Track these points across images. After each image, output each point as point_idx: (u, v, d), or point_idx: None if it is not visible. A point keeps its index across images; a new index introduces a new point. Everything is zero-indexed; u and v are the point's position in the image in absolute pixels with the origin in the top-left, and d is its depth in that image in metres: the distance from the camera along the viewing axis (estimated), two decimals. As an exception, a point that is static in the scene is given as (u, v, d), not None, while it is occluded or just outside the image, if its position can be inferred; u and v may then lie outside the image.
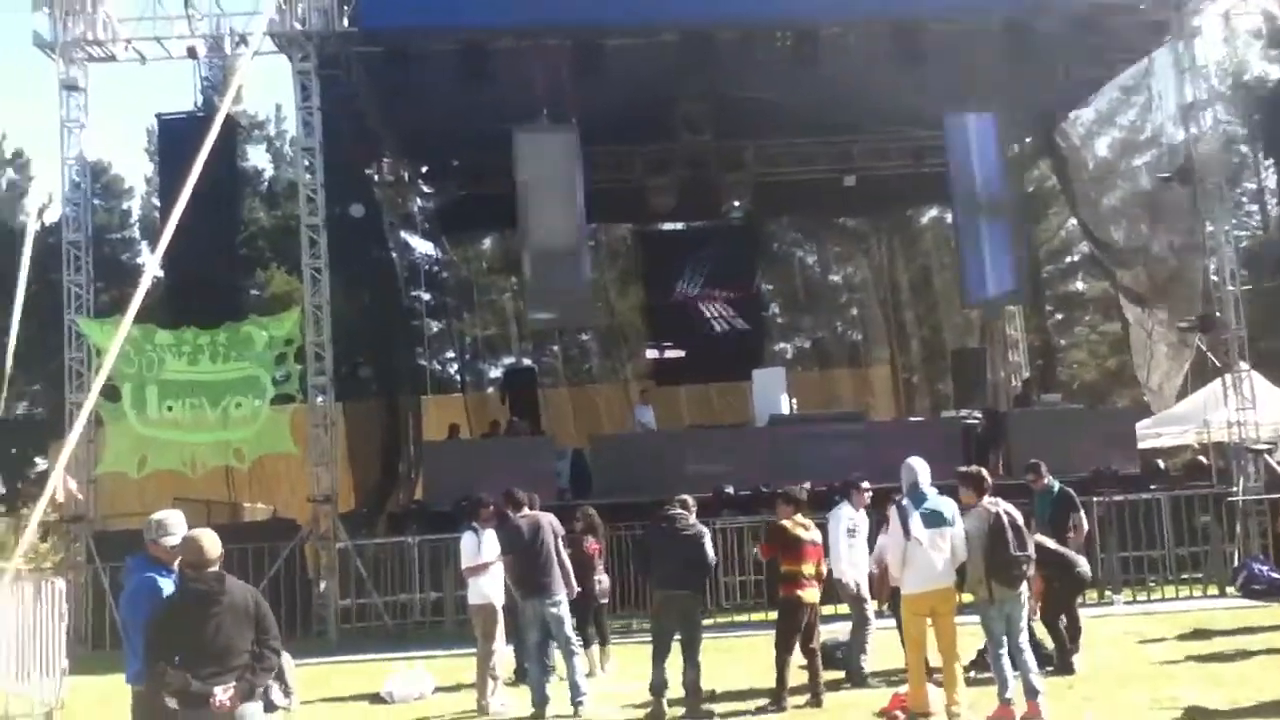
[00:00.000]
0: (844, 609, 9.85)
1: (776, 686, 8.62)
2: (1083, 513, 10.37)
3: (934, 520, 7.90)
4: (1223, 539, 14.03)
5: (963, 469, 8.57)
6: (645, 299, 24.17)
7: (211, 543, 5.51)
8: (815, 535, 8.90)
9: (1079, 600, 9.85)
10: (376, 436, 17.30)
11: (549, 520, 9.27)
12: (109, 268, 26.80)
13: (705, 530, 8.89)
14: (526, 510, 9.37)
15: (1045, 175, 24.53)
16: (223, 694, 5.23)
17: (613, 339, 28.68)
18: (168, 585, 5.69)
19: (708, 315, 22.09)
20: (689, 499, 9.06)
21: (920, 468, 8.14)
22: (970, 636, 8.37)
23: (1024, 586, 7.91)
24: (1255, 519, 14.34)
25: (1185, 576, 13.70)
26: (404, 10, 15.26)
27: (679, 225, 23.99)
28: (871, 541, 9.53)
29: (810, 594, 8.72)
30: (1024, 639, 7.91)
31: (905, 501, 8.03)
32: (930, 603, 7.92)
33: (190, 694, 5.19)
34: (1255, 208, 30.60)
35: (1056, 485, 10.41)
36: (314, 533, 14.50)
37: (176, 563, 5.78)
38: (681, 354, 22.24)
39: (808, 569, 8.70)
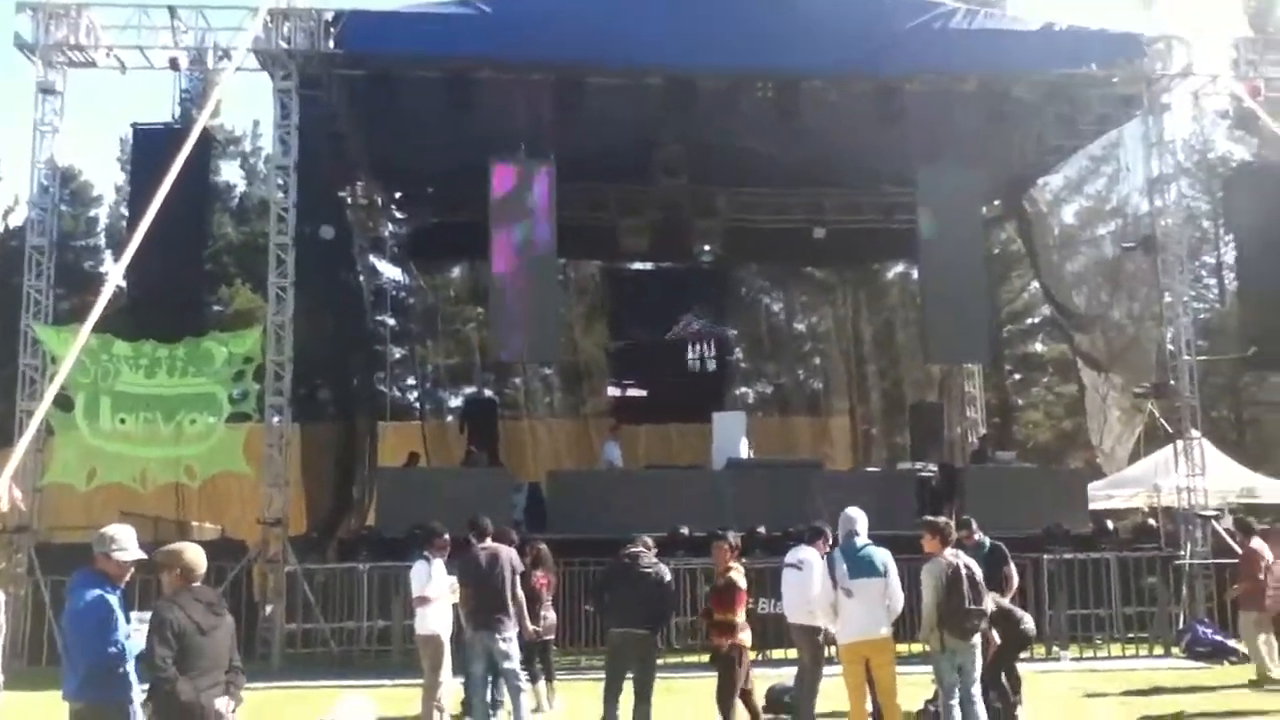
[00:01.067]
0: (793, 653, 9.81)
1: None
2: (1013, 567, 10.35)
3: (863, 570, 7.93)
4: (1169, 600, 14.24)
5: (929, 518, 8.65)
6: (610, 336, 24.21)
7: (200, 556, 5.59)
8: (744, 581, 8.86)
9: (1024, 655, 9.90)
10: (331, 460, 17.13)
11: (508, 554, 9.18)
12: (71, 275, 26.51)
13: (667, 571, 8.86)
14: (489, 541, 9.28)
15: (1011, 238, 24.96)
16: (224, 706, 5.30)
17: (575, 375, 28.68)
18: (114, 601, 5.63)
19: (685, 355, 22.12)
20: (649, 539, 9.04)
21: (858, 517, 8.18)
22: (919, 685, 8.39)
23: (977, 639, 7.95)
24: (1201, 582, 14.55)
25: (1132, 636, 13.90)
26: (389, 35, 15.30)
27: (648, 265, 24.11)
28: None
29: (747, 638, 8.70)
30: (976, 690, 7.95)
31: (836, 552, 8.07)
32: (863, 652, 7.95)
33: (198, 706, 5.20)
34: (1214, 281, 31.26)
35: (988, 541, 10.41)
36: (262, 555, 14.30)
37: (124, 578, 5.73)
38: (643, 393, 22.26)
39: (740, 616, 8.67)
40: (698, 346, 22.20)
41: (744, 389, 29.52)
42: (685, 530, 14.73)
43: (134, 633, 5.62)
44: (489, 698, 9.19)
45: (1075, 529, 15.51)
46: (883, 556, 8.01)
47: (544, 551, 10.87)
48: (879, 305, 26.06)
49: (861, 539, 8.04)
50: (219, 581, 13.02)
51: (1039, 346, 31.68)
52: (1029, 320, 31.11)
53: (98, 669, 5.51)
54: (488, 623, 8.84)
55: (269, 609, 14.07)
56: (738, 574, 8.78)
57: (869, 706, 8.16)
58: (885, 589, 7.91)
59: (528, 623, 9.18)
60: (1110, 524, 16.95)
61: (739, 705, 8.75)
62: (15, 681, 10.25)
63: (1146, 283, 17.00)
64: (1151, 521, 17.60)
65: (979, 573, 8.08)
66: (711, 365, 22.25)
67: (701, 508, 15.28)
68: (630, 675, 8.60)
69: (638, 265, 23.93)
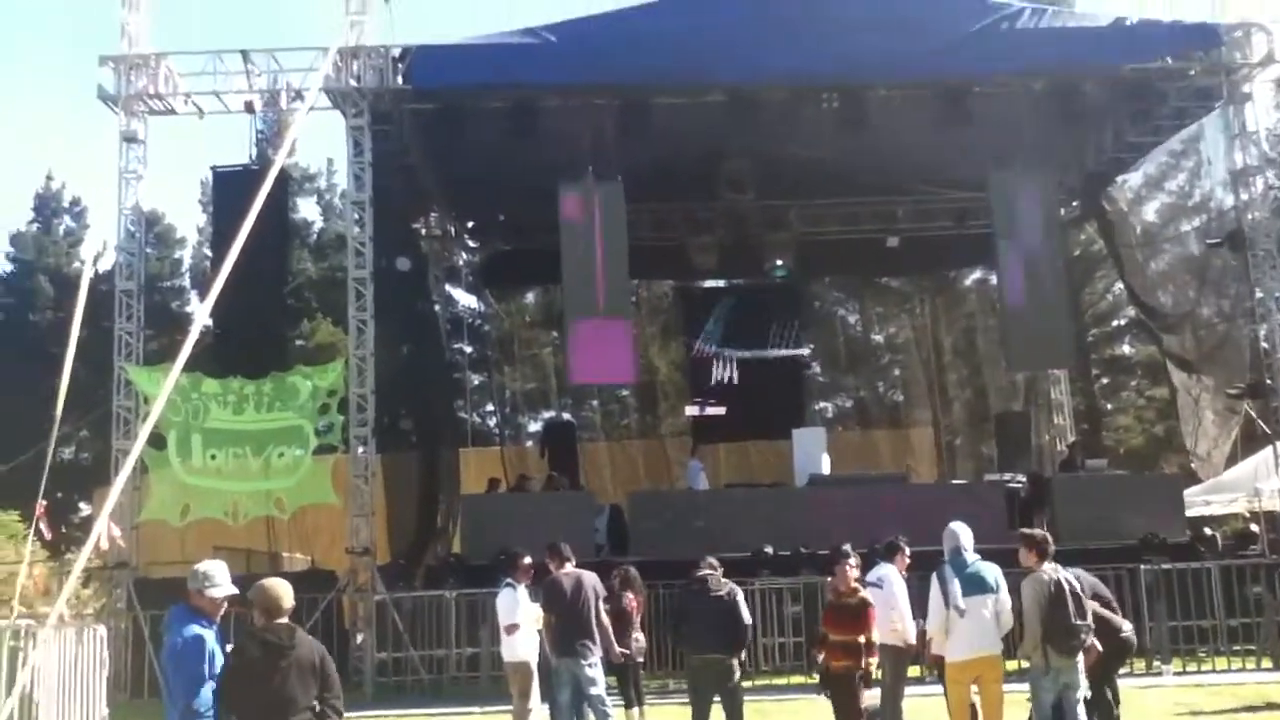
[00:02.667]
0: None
1: None
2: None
3: (976, 586, 7.73)
4: (1276, 610, 13.67)
5: (1026, 530, 8.44)
6: (686, 355, 24.14)
7: (285, 592, 5.54)
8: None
9: (1123, 670, 9.59)
10: (415, 488, 17.31)
11: (592, 579, 9.14)
12: (159, 316, 27.23)
13: (739, 590, 8.78)
14: (569, 567, 9.27)
15: (1092, 239, 24.40)
16: None
17: (651, 395, 28.68)
18: (210, 637, 5.70)
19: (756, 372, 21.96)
20: (714, 560, 8.97)
21: (963, 532, 7.99)
22: (1015, 705, 8.17)
23: (1080, 656, 7.72)
24: (1308, 590, 13.97)
25: (1237, 648, 13.38)
26: (456, 68, 15.55)
27: (721, 283, 24.03)
28: (914, 605, 9.35)
29: (874, 662, 8.56)
30: (1081, 708, 7.70)
31: (946, 569, 7.88)
32: (974, 670, 7.74)
33: None
34: (1306, 274, 30.17)
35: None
36: (351, 584, 14.49)
37: (219, 614, 5.81)
38: (722, 411, 22.13)
39: (874, 635, 8.54)
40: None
41: (823, 403, 29.24)
42: (769, 549, 14.62)
43: None
44: (576, 723, 9.18)
45: (1172, 537, 14.99)
46: (994, 572, 7.84)
47: (632, 574, 10.82)
48: (957, 313, 25.63)
49: (969, 554, 7.86)
50: (310, 612, 13.24)
51: (1127, 349, 30.88)
52: (1115, 322, 30.34)
53: (195, 704, 5.59)
54: (573, 649, 8.81)
55: (359, 638, 14.25)
56: (867, 593, 8.64)
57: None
58: (996, 605, 7.71)
59: (615, 647, 9.13)
60: (1209, 531, 16.40)
61: None
62: (120, 714, 10.54)
63: (1236, 279, 16.48)
64: (1253, 527, 16.95)
65: (1080, 585, 7.84)
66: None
67: (784, 526, 15.15)
68: (717, 700, 8.51)
69: (710, 283, 23.83)
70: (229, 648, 5.59)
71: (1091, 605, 8.68)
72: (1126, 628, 9.30)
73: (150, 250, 29.22)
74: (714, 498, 17.14)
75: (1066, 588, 7.66)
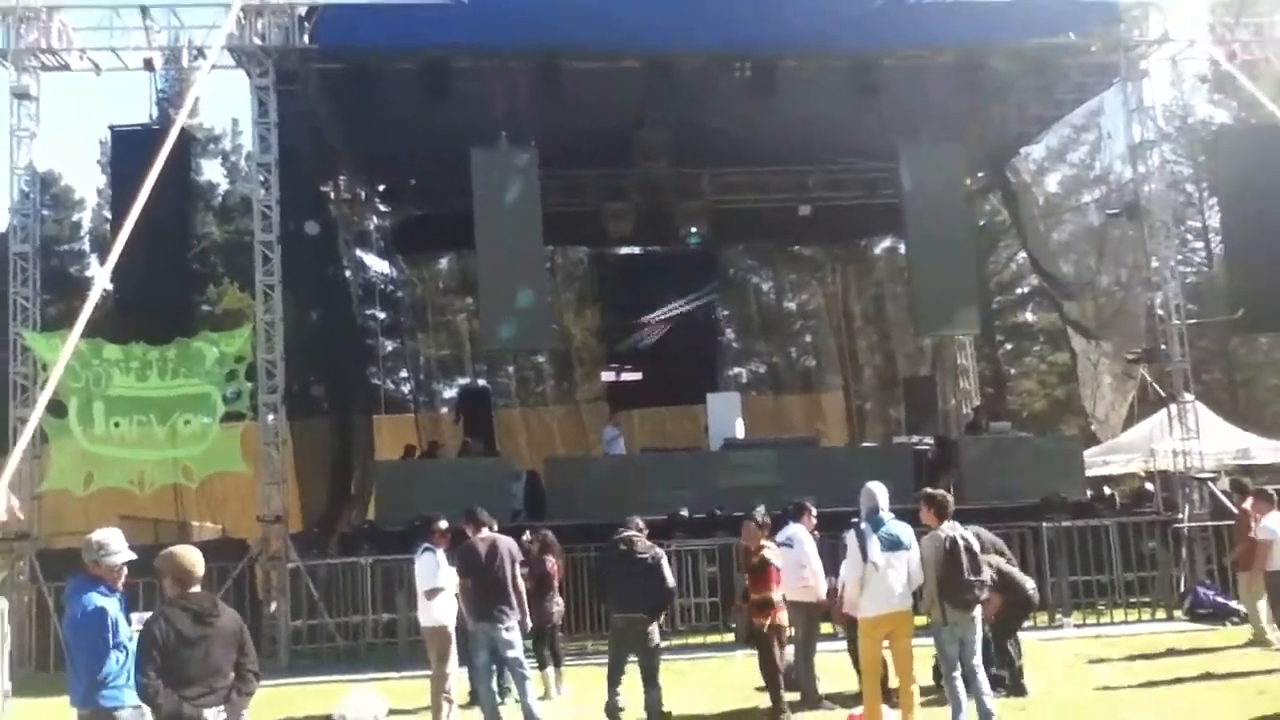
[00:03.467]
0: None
1: (776, 709, 8.57)
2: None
3: (891, 544, 7.94)
4: (1170, 564, 14.31)
5: (927, 491, 8.66)
6: (601, 322, 24.20)
7: (196, 559, 5.55)
8: (779, 559, 8.99)
9: (1027, 624, 9.97)
10: (327, 455, 17.12)
11: (507, 544, 9.15)
12: (57, 280, 26.38)
13: (662, 553, 8.91)
14: (486, 532, 9.28)
15: (997, 209, 24.98)
16: (213, 716, 5.24)
17: (567, 361, 28.68)
18: (112, 605, 5.60)
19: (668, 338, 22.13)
20: (640, 521, 9.08)
21: (880, 492, 8.17)
22: (925, 658, 8.44)
23: (977, 610, 8.00)
24: (1200, 545, 14.62)
25: (1134, 600, 13.98)
26: (364, 28, 15.22)
27: (635, 250, 24.08)
28: (826, 564, 9.60)
29: (784, 617, 8.79)
30: (977, 660, 7.99)
31: (864, 525, 8.07)
32: (887, 626, 7.96)
33: (181, 717, 5.19)
34: (1200, 245, 31.36)
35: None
36: (264, 552, 14.29)
37: (120, 581, 5.71)
38: (638, 377, 22.26)
39: (777, 595, 8.77)
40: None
41: (736, 369, 29.55)
42: (685, 512, 14.80)
43: (136, 634, 5.61)
44: (495, 686, 9.23)
45: (1073, 496, 15.59)
46: (907, 531, 8.05)
47: (551, 538, 10.90)
48: (868, 280, 26.06)
49: (886, 513, 8.07)
50: (222, 581, 13.04)
51: (1029, 316, 31.78)
52: (1018, 290, 31.19)
53: (101, 675, 5.50)
54: (489, 613, 8.83)
55: (273, 606, 14.08)
56: (770, 552, 8.86)
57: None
58: (909, 563, 7.93)
59: (526, 611, 9.16)
60: (1108, 490, 17.05)
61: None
62: (23, 688, 10.30)
63: (1133, 249, 17.03)
64: (1149, 486, 17.70)
65: (975, 543, 8.11)
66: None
67: (700, 489, 15.35)
68: (634, 659, 8.64)
69: (625, 250, 23.86)
70: (148, 615, 5.51)
71: (997, 561, 9.03)
72: (1030, 585, 9.68)
73: (47, 212, 28.21)
74: (630, 462, 17.27)
75: (961, 544, 7.94)
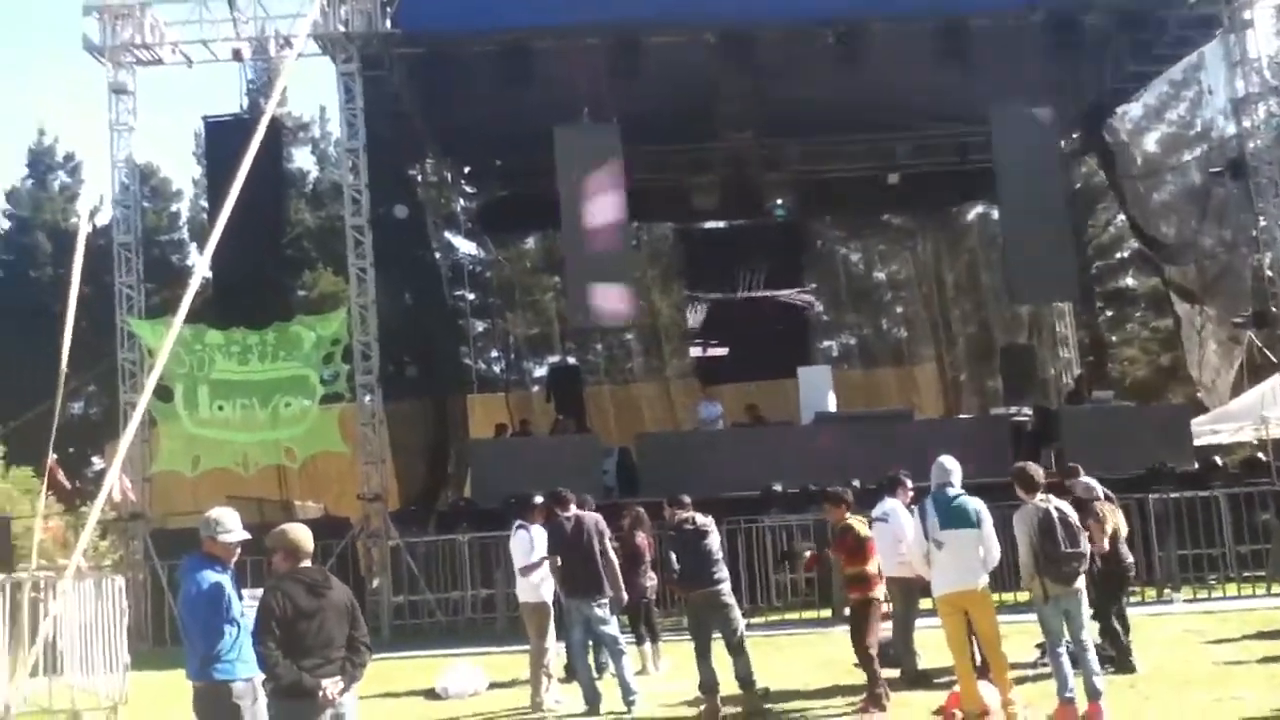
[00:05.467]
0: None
1: (872, 685, 8.50)
2: (1104, 509, 10.02)
3: (955, 520, 7.75)
4: (1283, 535, 13.76)
5: (1017, 464, 8.46)
6: (688, 297, 24.09)
7: (306, 535, 5.69)
8: (869, 532, 8.89)
9: (1134, 598, 9.69)
10: (423, 435, 17.38)
11: (594, 520, 9.23)
12: (159, 269, 27.15)
13: (711, 522, 8.93)
14: (573, 509, 9.34)
15: (1093, 171, 24.21)
16: (332, 687, 5.37)
17: (655, 337, 28.61)
18: (225, 582, 5.75)
19: (759, 311, 21.96)
20: (686, 498, 9.15)
21: (952, 467, 7.99)
22: (1028, 634, 8.27)
23: (1080, 583, 7.78)
24: (1318, 515, 14.05)
25: (1246, 574, 13.43)
26: (444, 12, 15.39)
27: (721, 224, 23.90)
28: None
29: (880, 591, 8.69)
30: (1086, 636, 7.79)
31: (928, 503, 7.93)
32: (958, 604, 7.80)
33: (301, 686, 5.32)
34: (1311, 201, 30.00)
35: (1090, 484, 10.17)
36: (365, 530, 14.61)
37: (233, 558, 5.86)
38: (724, 352, 22.14)
39: (872, 567, 8.67)
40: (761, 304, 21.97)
41: (827, 342, 29.19)
42: (778, 487, 14.70)
43: (247, 610, 5.76)
44: (591, 661, 9.31)
45: (1180, 467, 15.06)
46: (975, 506, 7.83)
47: (642, 514, 10.93)
48: (960, 248, 25.46)
49: (955, 489, 7.89)
50: (325, 558, 13.35)
51: (1130, 281, 30.79)
52: (1118, 255, 30.20)
53: (215, 649, 5.64)
54: (581, 589, 8.94)
55: (375, 583, 14.41)
56: (858, 523, 8.77)
57: (974, 658, 8.06)
58: (979, 539, 7.76)
59: (620, 587, 9.20)
60: (1217, 460, 16.47)
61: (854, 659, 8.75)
62: (141, 662, 10.68)
63: (1238, 208, 16.40)
64: (1261, 455, 17.03)
65: (1071, 514, 7.88)
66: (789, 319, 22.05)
67: (792, 463, 15.23)
68: (717, 635, 8.64)
69: (710, 224, 23.71)
70: (261, 591, 5.65)
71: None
72: (1126, 556, 9.41)
73: (147, 203, 29.01)
74: (722, 437, 17.18)
75: (1055, 516, 7.71)
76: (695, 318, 23.28)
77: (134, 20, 15.60)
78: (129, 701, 9.66)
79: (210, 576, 5.74)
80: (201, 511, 6.06)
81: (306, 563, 5.60)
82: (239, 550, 5.90)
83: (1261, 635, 10.62)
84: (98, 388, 29.21)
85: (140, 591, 13.92)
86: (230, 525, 5.84)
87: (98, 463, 29.36)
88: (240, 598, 5.80)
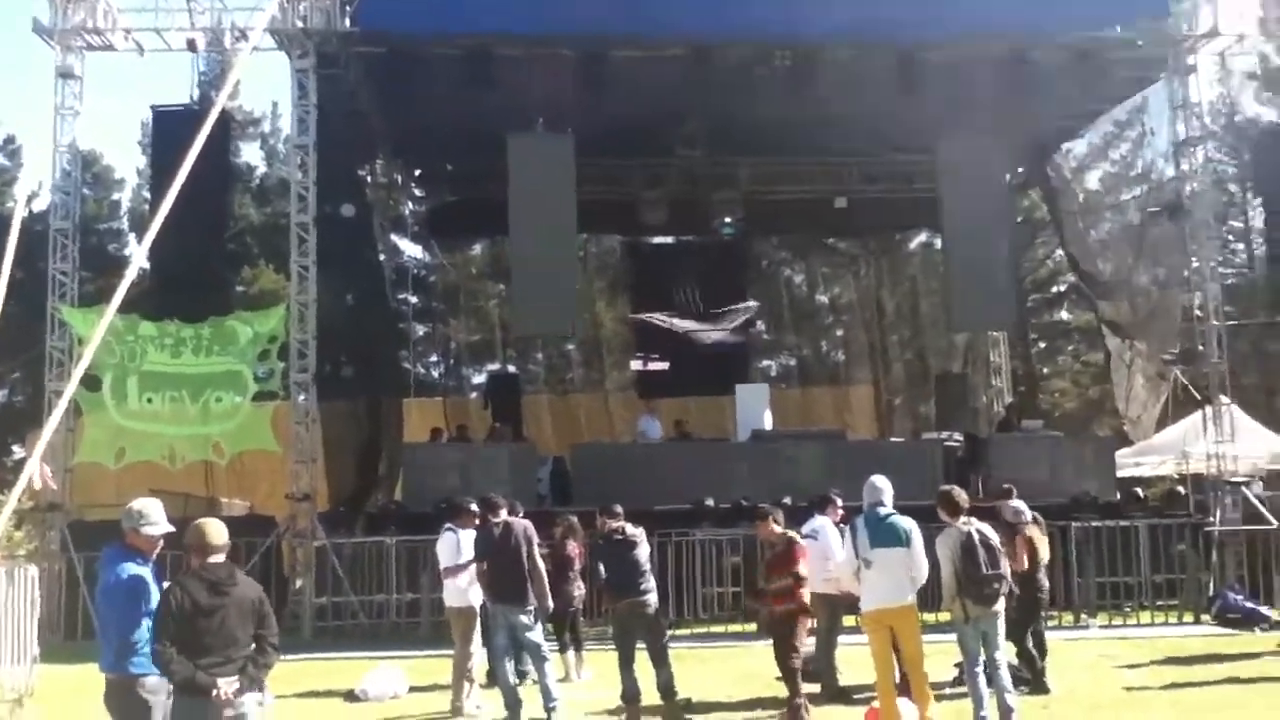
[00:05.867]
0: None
1: (792, 698, 8.52)
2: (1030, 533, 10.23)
3: (885, 539, 7.86)
4: (1199, 567, 14.13)
5: (942, 488, 8.61)
6: (632, 311, 24.18)
7: (217, 530, 5.54)
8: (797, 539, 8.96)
9: (1051, 623, 9.89)
10: (356, 436, 17.23)
11: (522, 526, 9.11)
12: (96, 258, 26.59)
13: (642, 533, 8.97)
14: (503, 515, 9.29)
15: (1035, 205, 24.73)
16: (226, 686, 5.26)
17: (597, 350, 28.68)
18: (146, 574, 5.68)
19: (700, 328, 22.06)
20: (618, 508, 9.13)
21: (883, 486, 8.12)
22: (947, 653, 8.40)
23: (999, 605, 7.93)
24: (1231, 549, 14.44)
25: (1161, 603, 13.80)
26: (405, 12, 15.23)
27: (669, 239, 24.04)
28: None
29: (805, 596, 8.75)
30: (1000, 656, 7.94)
31: (859, 520, 8.04)
32: (885, 621, 7.90)
33: (194, 684, 5.22)
34: (1241, 246, 30.88)
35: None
36: (291, 529, 14.43)
37: (154, 551, 5.78)
38: (665, 366, 22.23)
39: (804, 570, 8.72)
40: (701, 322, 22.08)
41: (766, 361, 29.46)
42: (710, 502, 14.78)
43: None
44: (513, 669, 9.27)
45: (1103, 497, 15.41)
46: (905, 525, 7.95)
47: (575, 523, 10.92)
48: (902, 275, 25.90)
49: (886, 508, 8.01)
50: (249, 556, 13.18)
51: (1064, 314, 31.43)
52: (1054, 288, 30.83)
53: (131, 642, 5.57)
54: (506, 595, 8.87)
55: (299, 583, 14.23)
56: (794, 535, 8.84)
57: (895, 676, 8.17)
58: (908, 558, 7.87)
59: (546, 595, 9.16)
60: (1139, 491, 16.86)
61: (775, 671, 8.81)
62: (52, 654, 10.46)
63: (1173, 248, 16.79)
64: (1180, 489, 17.47)
65: (993, 537, 8.05)
66: (729, 338, 22.16)
67: (726, 480, 15.33)
68: (641, 645, 8.67)
69: (658, 239, 23.82)
70: (165, 584, 5.58)
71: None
72: (1041, 581, 9.60)
73: (87, 191, 28.51)
74: (656, 450, 17.24)
75: (978, 538, 7.87)
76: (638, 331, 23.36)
77: (86, 4, 15.33)
78: (35, 695, 9.45)
79: (131, 568, 5.67)
80: (123, 504, 5.97)
81: (217, 558, 5.48)
82: (161, 543, 5.82)
83: (1170, 661, 10.93)
84: (23, 375, 28.54)
85: (55, 583, 13.61)
86: (154, 517, 5.77)
87: (18, 451, 28.68)
88: (160, 591, 5.72)
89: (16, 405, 30.45)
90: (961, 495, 8.25)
